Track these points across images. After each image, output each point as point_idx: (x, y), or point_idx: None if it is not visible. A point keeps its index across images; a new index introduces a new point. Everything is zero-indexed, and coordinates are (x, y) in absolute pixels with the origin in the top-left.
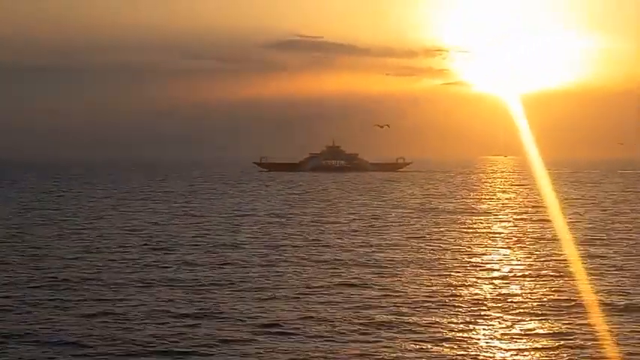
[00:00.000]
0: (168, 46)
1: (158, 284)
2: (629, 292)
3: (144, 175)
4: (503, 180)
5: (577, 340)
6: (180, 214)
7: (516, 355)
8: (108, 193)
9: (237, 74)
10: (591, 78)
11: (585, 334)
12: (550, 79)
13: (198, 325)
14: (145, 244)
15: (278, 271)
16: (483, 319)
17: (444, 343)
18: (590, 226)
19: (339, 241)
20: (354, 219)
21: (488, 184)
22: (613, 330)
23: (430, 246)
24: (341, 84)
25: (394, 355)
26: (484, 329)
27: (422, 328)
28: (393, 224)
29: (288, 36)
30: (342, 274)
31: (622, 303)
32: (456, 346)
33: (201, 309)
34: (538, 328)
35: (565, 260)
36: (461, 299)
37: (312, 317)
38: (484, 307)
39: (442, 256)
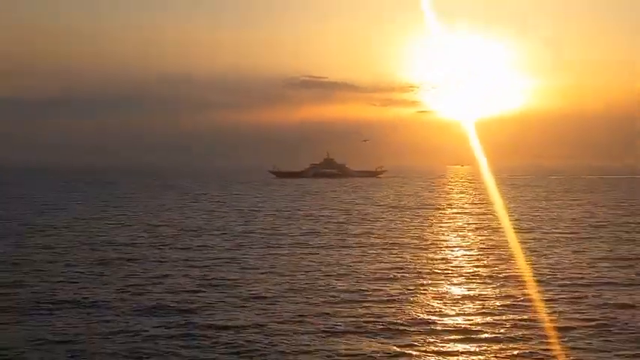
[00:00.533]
0: (210, 84)
1: (182, 262)
2: (542, 267)
3: (189, 182)
4: (459, 183)
5: (496, 305)
6: (214, 208)
7: (446, 315)
8: (157, 193)
9: (260, 106)
10: (524, 108)
11: (505, 299)
12: (495, 108)
13: (203, 292)
14: (183, 231)
15: (276, 254)
16: (424, 287)
17: (388, 306)
18: (519, 217)
19: (326, 229)
20: (341, 213)
21: (448, 187)
22: (528, 296)
23: (393, 232)
24: (338, 112)
25: (349, 316)
26: (423, 295)
27: (375, 296)
28: (368, 216)
29: (300, 77)
30: (322, 255)
31: (535, 277)
32: (396, 309)
33: (209, 282)
34: (466, 295)
35: (498, 243)
36: (409, 273)
37: (293, 289)
38: (426, 278)
39: (402, 240)
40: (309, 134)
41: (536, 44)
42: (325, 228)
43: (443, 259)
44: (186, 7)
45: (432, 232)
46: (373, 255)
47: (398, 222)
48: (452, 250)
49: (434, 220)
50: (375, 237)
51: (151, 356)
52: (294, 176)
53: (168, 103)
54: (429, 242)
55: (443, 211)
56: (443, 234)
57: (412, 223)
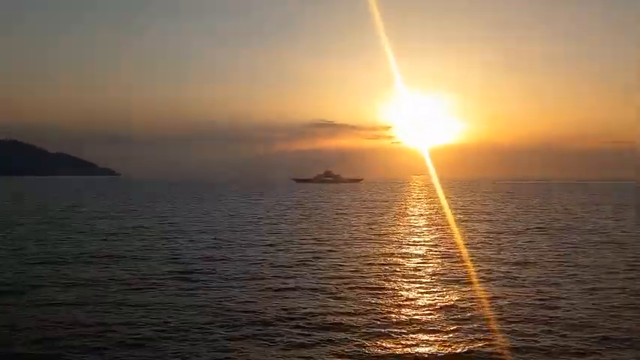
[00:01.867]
0: (263, 125)
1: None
2: (463, 232)
3: (257, 188)
4: (417, 186)
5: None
6: (253, 203)
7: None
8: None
9: (293, 139)
10: (457, 140)
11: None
12: (440, 140)
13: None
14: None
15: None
16: (371, 246)
17: (345, 259)
18: (454, 205)
19: (317, 210)
20: (332, 204)
21: (408, 189)
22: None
23: (362, 217)
24: (341, 144)
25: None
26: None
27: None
28: (351, 207)
29: (317, 120)
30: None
31: (460, 238)
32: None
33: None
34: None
35: (438, 218)
36: (360, 235)
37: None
38: (373, 240)
39: (368, 224)
40: (323, 156)
41: (465, 100)
42: (316, 210)
43: (397, 226)
44: (247, 81)
45: (395, 221)
46: (340, 224)
47: (364, 210)
48: (408, 220)
49: (395, 211)
50: (350, 221)
51: None
52: (306, 182)
53: (241, 139)
54: (389, 229)
55: (402, 203)
56: (399, 221)
57: (373, 213)
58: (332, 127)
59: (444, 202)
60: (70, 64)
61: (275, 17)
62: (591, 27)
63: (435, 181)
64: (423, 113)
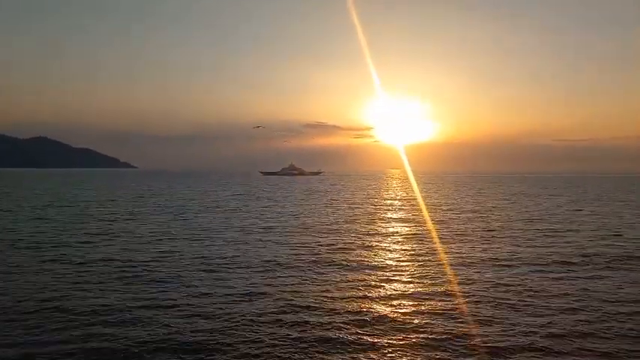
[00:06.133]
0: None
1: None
2: (434, 214)
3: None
4: (393, 178)
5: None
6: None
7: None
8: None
9: (290, 137)
10: (430, 139)
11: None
12: (414, 139)
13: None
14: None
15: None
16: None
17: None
18: (424, 193)
19: (275, 196)
20: (296, 194)
21: (385, 181)
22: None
23: (320, 203)
24: (332, 142)
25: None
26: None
27: (295, 228)
28: (312, 196)
29: (312, 121)
30: (273, 206)
31: (430, 219)
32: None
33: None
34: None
35: (410, 203)
36: (311, 212)
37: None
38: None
39: (330, 211)
40: (314, 153)
41: (435, 105)
42: (271, 195)
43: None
44: (253, 88)
45: (361, 210)
46: (306, 219)
47: (326, 198)
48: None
49: (365, 200)
50: (310, 206)
51: None
52: (271, 174)
53: (240, 138)
54: (355, 212)
55: (377, 189)
56: (366, 208)
57: (325, 196)
58: (323, 128)
59: (416, 189)
60: (80, 68)
61: (279, 35)
62: (539, 48)
63: (411, 177)
64: (400, 116)
